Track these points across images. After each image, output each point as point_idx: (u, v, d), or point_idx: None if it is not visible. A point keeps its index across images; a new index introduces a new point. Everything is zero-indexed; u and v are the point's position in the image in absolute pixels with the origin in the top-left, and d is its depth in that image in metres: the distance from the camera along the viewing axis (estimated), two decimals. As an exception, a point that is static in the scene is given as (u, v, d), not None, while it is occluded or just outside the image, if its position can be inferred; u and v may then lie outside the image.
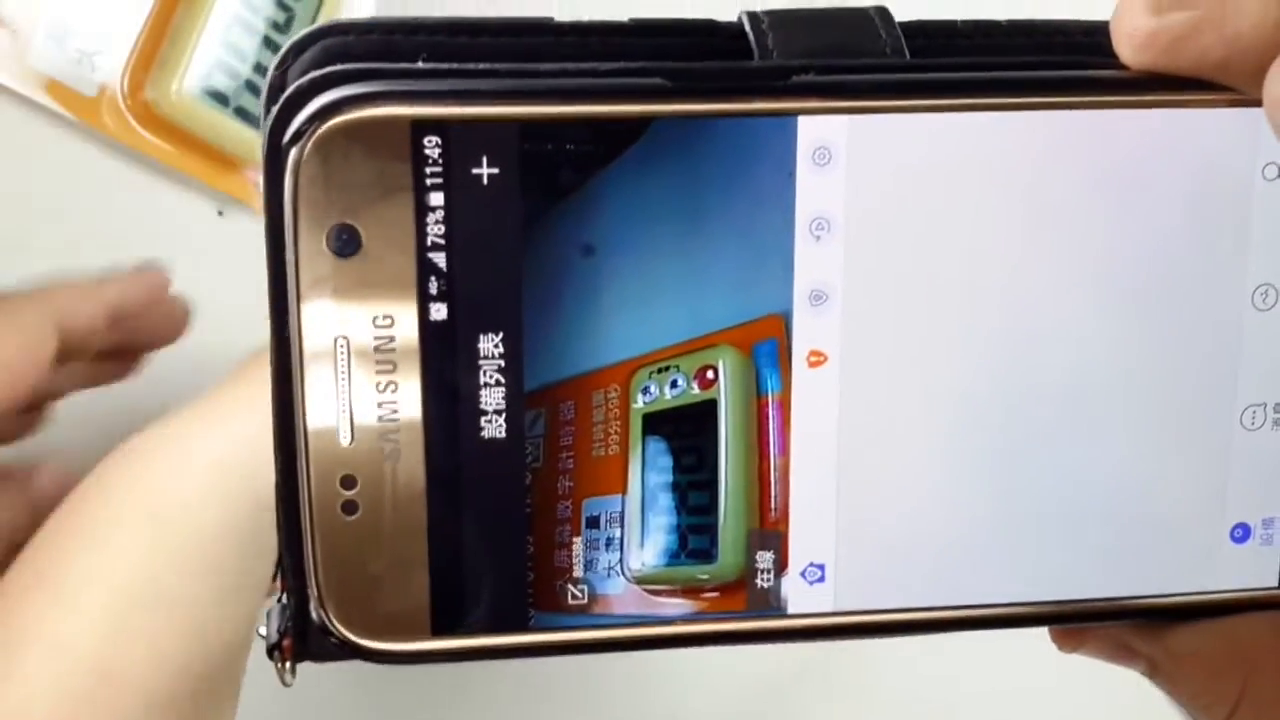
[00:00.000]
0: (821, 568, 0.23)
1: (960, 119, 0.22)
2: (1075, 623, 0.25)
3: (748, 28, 0.23)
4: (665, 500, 0.23)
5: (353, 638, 0.22)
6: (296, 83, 0.21)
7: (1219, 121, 0.23)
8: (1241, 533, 0.24)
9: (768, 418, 0.23)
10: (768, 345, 0.23)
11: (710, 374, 0.23)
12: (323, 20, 0.43)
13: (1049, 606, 0.24)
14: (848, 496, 0.23)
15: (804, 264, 0.22)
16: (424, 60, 0.22)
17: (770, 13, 0.23)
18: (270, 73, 0.22)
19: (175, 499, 0.30)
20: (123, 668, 0.29)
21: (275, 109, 0.21)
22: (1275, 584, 0.25)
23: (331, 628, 0.22)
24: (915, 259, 0.23)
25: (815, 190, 0.22)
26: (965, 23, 0.24)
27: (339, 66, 0.21)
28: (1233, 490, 0.24)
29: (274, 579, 0.23)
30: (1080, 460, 0.24)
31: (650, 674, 0.50)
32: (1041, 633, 0.25)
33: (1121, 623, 0.24)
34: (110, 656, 0.29)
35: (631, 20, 0.23)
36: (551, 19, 0.23)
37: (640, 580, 0.23)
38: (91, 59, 0.44)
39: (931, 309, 0.23)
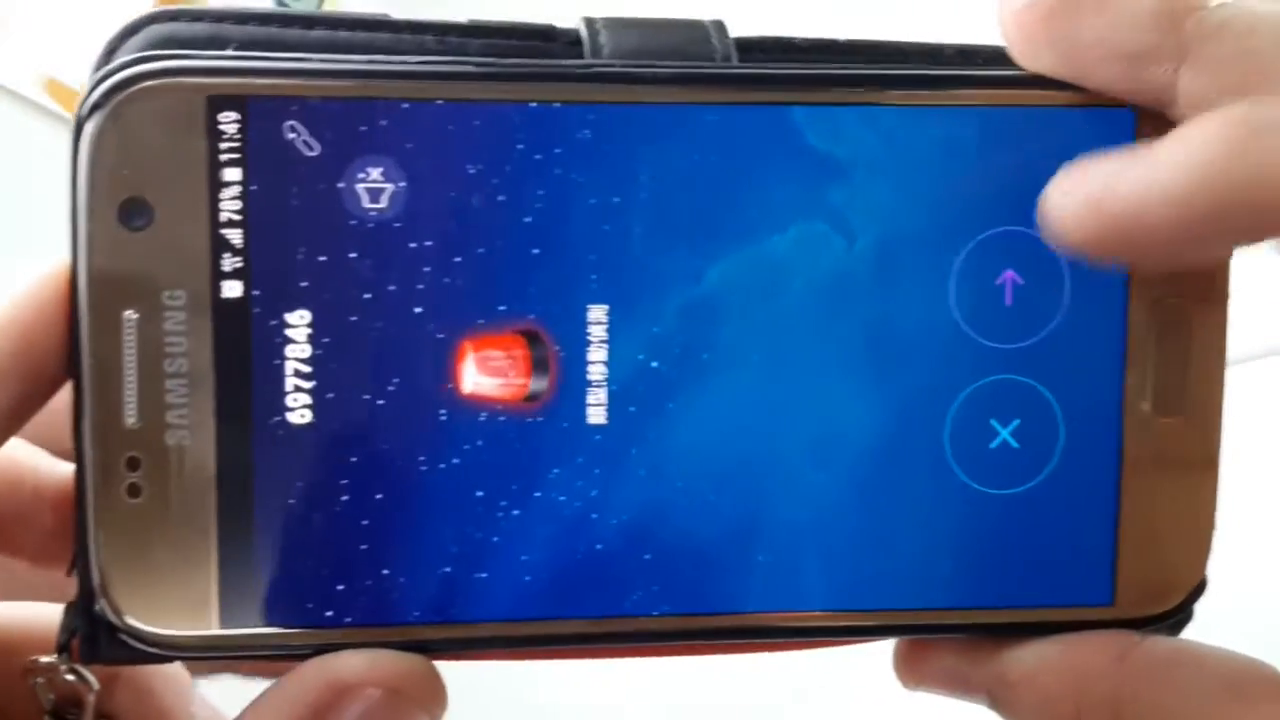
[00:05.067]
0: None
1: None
2: (891, 635, 0.24)
3: (583, 32, 0.23)
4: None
5: (137, 625, 0.22)
6: (109, 64, 0.21)
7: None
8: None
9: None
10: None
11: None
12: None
13: (864, 617, 0.23)
14: None
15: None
16: (234, 49, 0.22)
17: (607, 19, 0.23)
18: (98, 55, 0.22)
19: None
20: None
21: (88, 88, 0.21)
22: (1109, 601, 0.23)
23: (115, 619, 0.22)
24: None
25: None
26: (804, 40, 0.23)
27: (155, 52, 0.22)
28: None
29: (69, 571, 0.23)
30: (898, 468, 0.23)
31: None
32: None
33: (952, 636, 0.24)
34: None
35: (469, 20, 0.23)
36: (388, 15, 0.23)
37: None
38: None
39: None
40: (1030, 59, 0.22)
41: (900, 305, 0.23)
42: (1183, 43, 0.21)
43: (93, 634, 0.22)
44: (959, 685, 0.24)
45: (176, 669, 0.25)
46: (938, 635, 0.24)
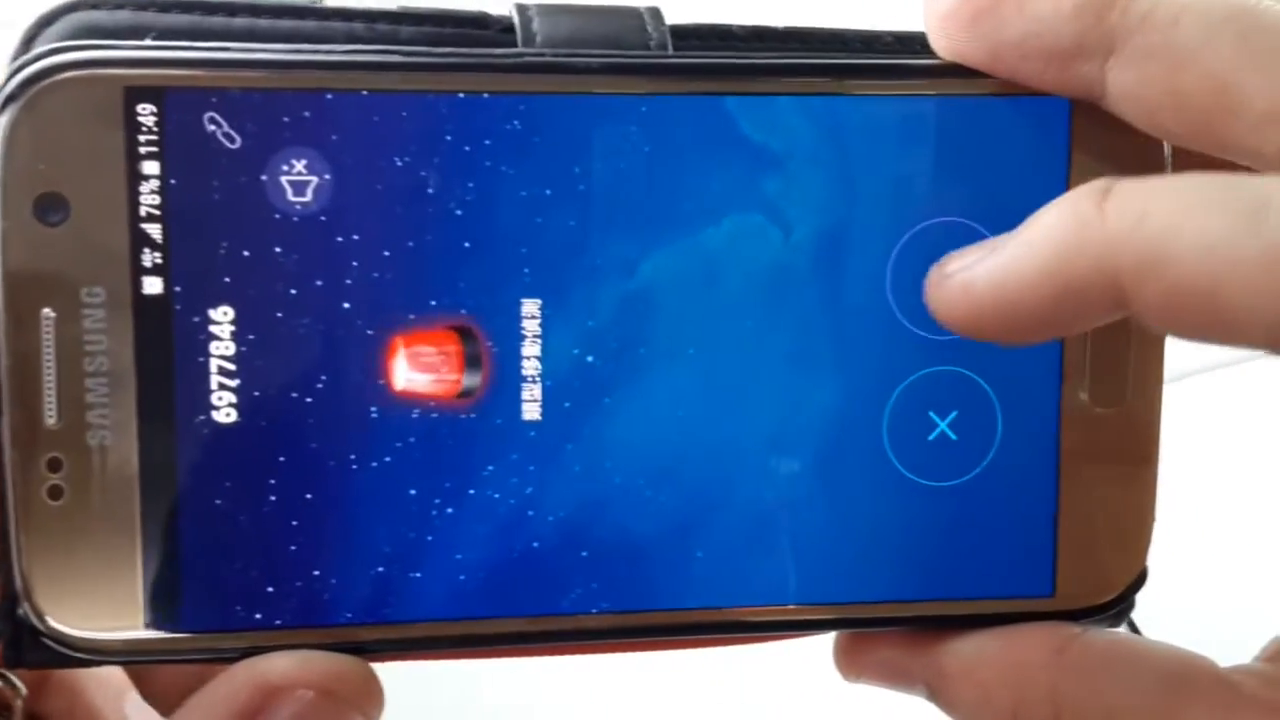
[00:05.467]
0: None
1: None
2: (832, 629, 0.24)
3: (516, 19, 0.23)
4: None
5: (60, 628, 0.21)
6: (25, 54, 0.21)
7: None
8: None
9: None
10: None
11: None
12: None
13: (804, 611, 0.23)
14: None
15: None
16: (153, 38, 0.21)
17: (540, 5, 0.23)
18: (15, 45, 0.22)
19: None
20: None
21: (3, 79, 0.21)
22: (1049, 592, 0.23)
23: (39, 622, 0.21)
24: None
25: None
26: (741, 27, 0.23)
27: (71, 42, 0.21)
28: None
29: None
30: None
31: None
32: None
33: (891, 628, 0.23)
34: None
35: (400, 7, 0.23)
36: (316, 2, 0.23)
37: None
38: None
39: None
40: (958, 61, 0.22)
41: (838, 297, 0.23)
42: (1108, 36, 0.20)
43: (16, 637, 0.21)
44: (898, 678, 0.24)
45: (110, 670, 0.24)
46: (878, 629, 0.24)
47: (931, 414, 0.23)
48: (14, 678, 0.23)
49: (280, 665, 0.21)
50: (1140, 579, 0.24)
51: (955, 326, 0.21)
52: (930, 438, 0.23)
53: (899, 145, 0.23)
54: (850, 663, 0.24)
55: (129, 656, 0.22)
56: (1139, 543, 0.24)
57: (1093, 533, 0.24)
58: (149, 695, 0.25)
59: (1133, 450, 0.24)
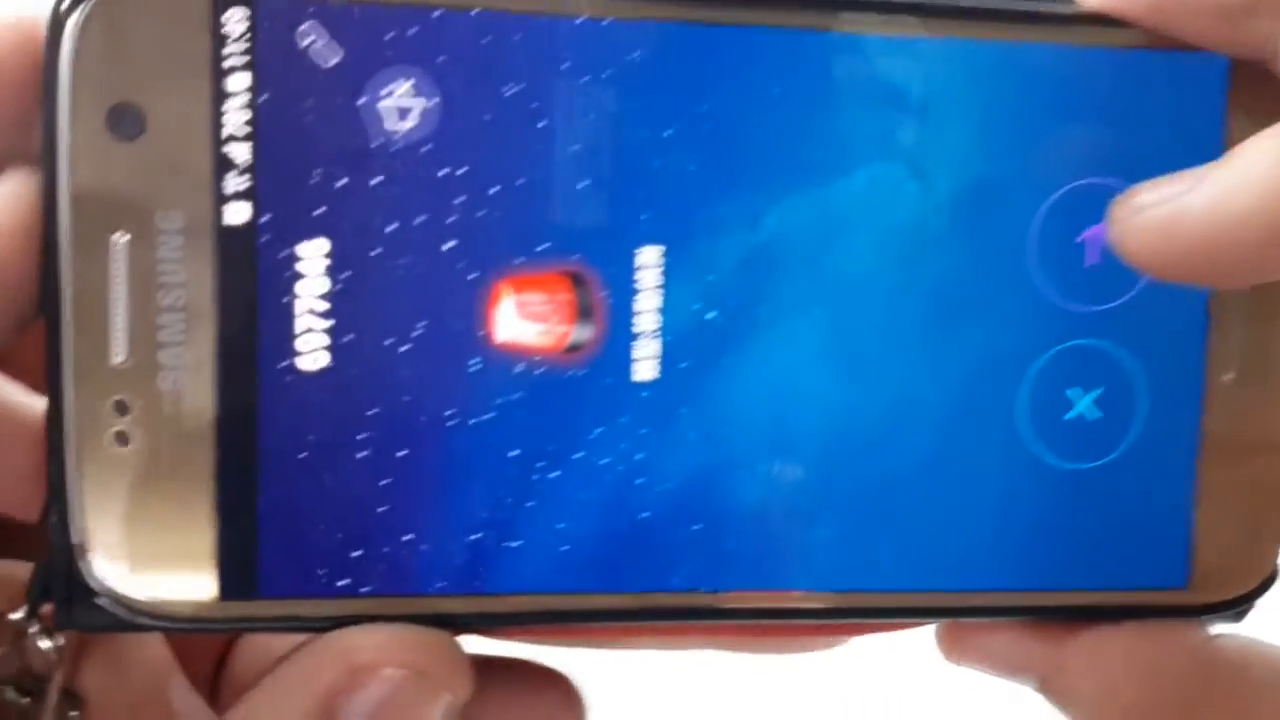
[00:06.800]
0: None
1: None
2: (955, 618, 0.22)
3: None
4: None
5: (119, 588, 0.19)
6: None
7: None
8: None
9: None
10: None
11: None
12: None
13: (923, 598, 0.21)
14: None
15: None
16: None
17: None
18: None
19: None
20: None
21: None
22: (1182, 584, 0.22)
23: (96, 582, 0.19)
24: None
25: None
26: None
27: None
28: None
29: (39, 522, 0.20)
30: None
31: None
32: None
33: (1013, 618, 0.22)
34: None
35: None
36: None
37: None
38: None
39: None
40: (1109, 12, 0.21)
41: (974, 260, 0.21)
42: None
43: (68, 597, 0.19)
44: (1010, 666, 0.22)
45: (155, 649, 0.22)
46: (1003, 618, 0.22)
47: (1070, 391, 0.21)
48: (59, 641, 0.21)
49: (368, 641, 0.19)
50: (1272, 576, 0.22)
51: (1151, 264, 0.19)
52: (1066, 417, 0.21)
53: (1050, 99, 0.21)
54: (956, 644, 0.23)
55: (196, 623, 0.20)
56: (1275, 537, 0.22)
57: (1230, 523, 0.22)
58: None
59: (1277, 437, 0.22)
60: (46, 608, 0.20)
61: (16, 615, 0.20)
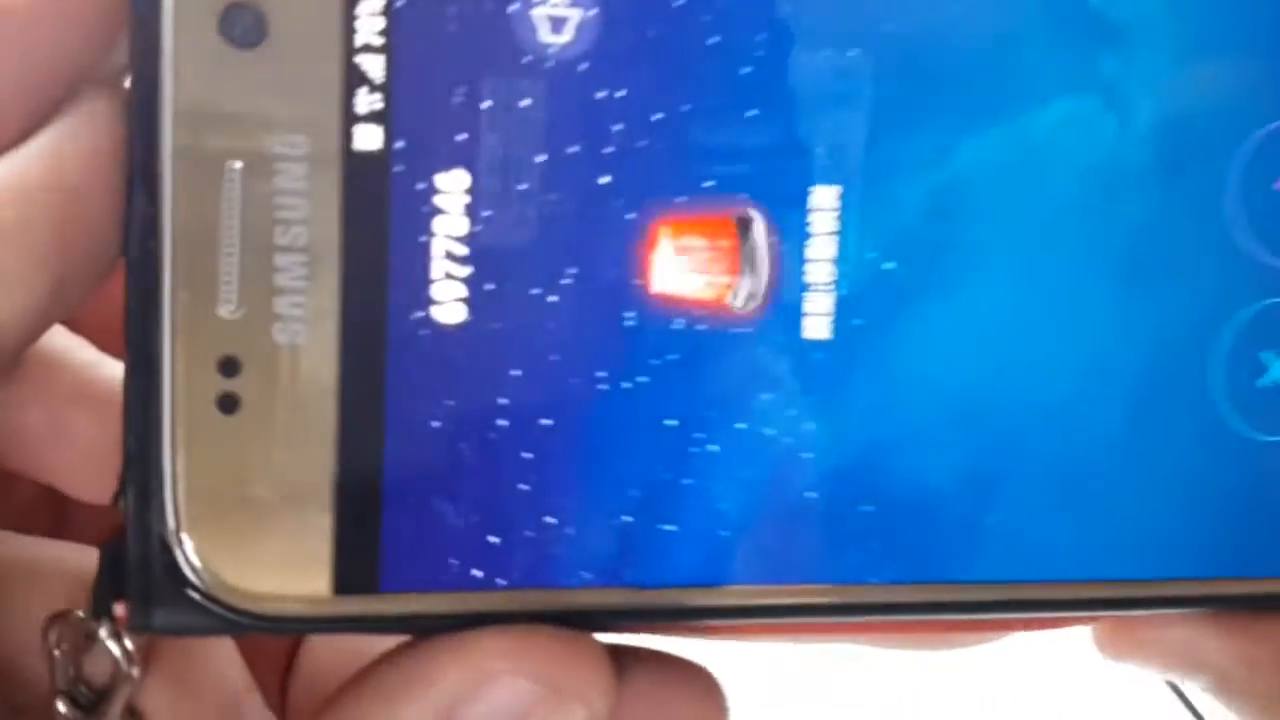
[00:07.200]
0: None
1: None
2: (1135, 610, 0.20)
3: None
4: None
5: (227, 586, 0.16)
6: None
7: None
8: None
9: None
10: None
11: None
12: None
13: (1085, 589, 0.19)
14: None
15: None
16: None
17: None
18: None
19: None
20: None
21: None
22: None
23: (193, 574, 0.16)
24: None
25: None
26: None
27: None
28: None
29: (114, 502, 0.17)
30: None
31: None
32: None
33: (1194, 609, 0.20)
34: None
35: None
36: None
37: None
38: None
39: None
40: None
41: (1169, 206, 0.19)
42: None
43: (148, 591, 0.16)
44: (1185, 663, 0.20)
45: (232, 656, 0.19)
46: (1183, 610, 0.20)
47: (1262, 355, 0.19)
48: (129, 645, 0.17)
49: (496, 646, 0.17)
50: None
51: None
52: (1260, 383, 0.19)
53: (1255, 27, 0.19)
54: (1121, 640, 0.20)
55: (304, 623, 0.17)
56: None
57: None
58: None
59: None
60: (118, 607, 0.17)
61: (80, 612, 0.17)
